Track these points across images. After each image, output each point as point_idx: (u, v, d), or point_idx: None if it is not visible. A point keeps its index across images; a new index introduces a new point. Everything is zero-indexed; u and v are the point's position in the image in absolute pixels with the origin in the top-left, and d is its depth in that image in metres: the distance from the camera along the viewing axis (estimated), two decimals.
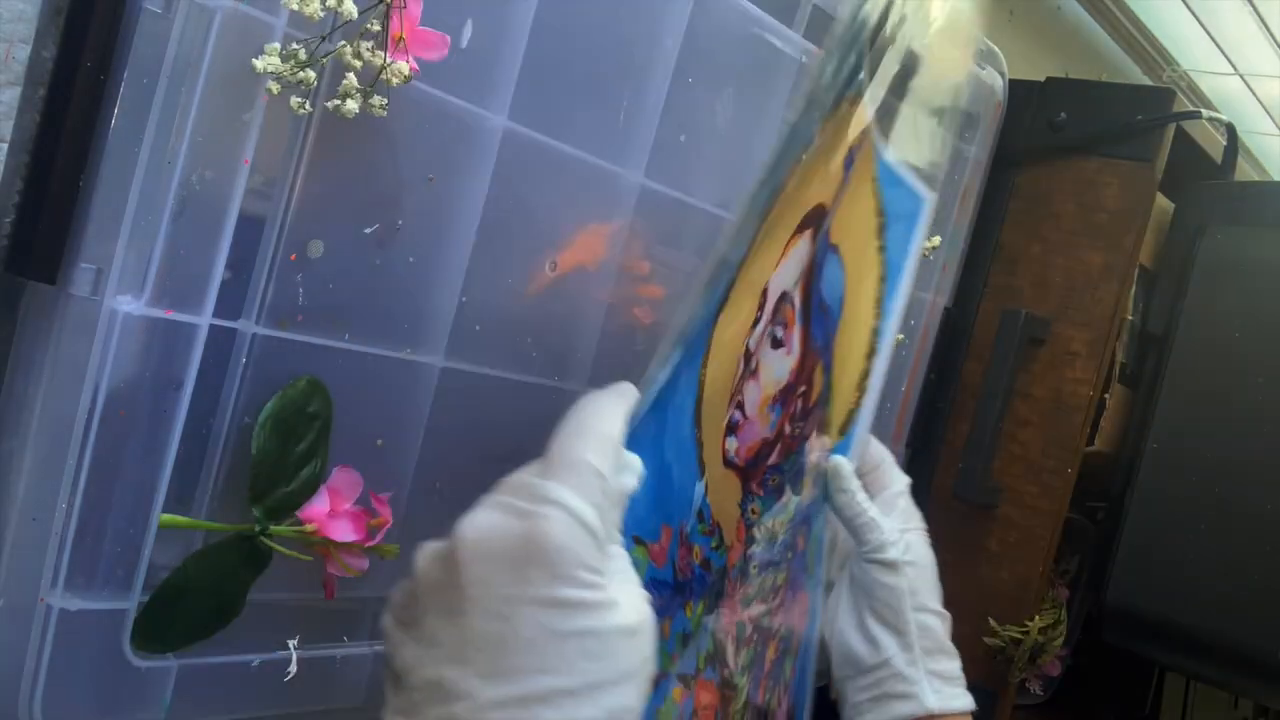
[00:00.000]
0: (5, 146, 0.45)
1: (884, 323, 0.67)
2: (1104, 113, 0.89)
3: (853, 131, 0.55)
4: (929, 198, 0.67)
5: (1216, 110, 1.01)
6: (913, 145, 0.64)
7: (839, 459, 0.65)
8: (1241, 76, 1.39)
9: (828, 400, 0.64)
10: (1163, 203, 0.96)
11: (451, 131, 0.53)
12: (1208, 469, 0.91)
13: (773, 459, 0.58)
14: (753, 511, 0.57)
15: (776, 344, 0.56)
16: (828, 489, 0.65)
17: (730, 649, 0.57)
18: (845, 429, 0.66)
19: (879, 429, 0.70)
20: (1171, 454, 0.92)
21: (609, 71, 0.60)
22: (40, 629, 0.45)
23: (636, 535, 0.48)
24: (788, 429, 0.59)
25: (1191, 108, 0.91)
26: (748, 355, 0.54)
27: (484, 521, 0.36)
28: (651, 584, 0.49)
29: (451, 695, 0.34)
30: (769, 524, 0.59)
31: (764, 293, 0.54)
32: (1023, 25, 1.20)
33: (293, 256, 0.49)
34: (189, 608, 0.48)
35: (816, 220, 0.56)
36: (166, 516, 0.47)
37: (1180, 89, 1.33)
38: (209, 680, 0.50)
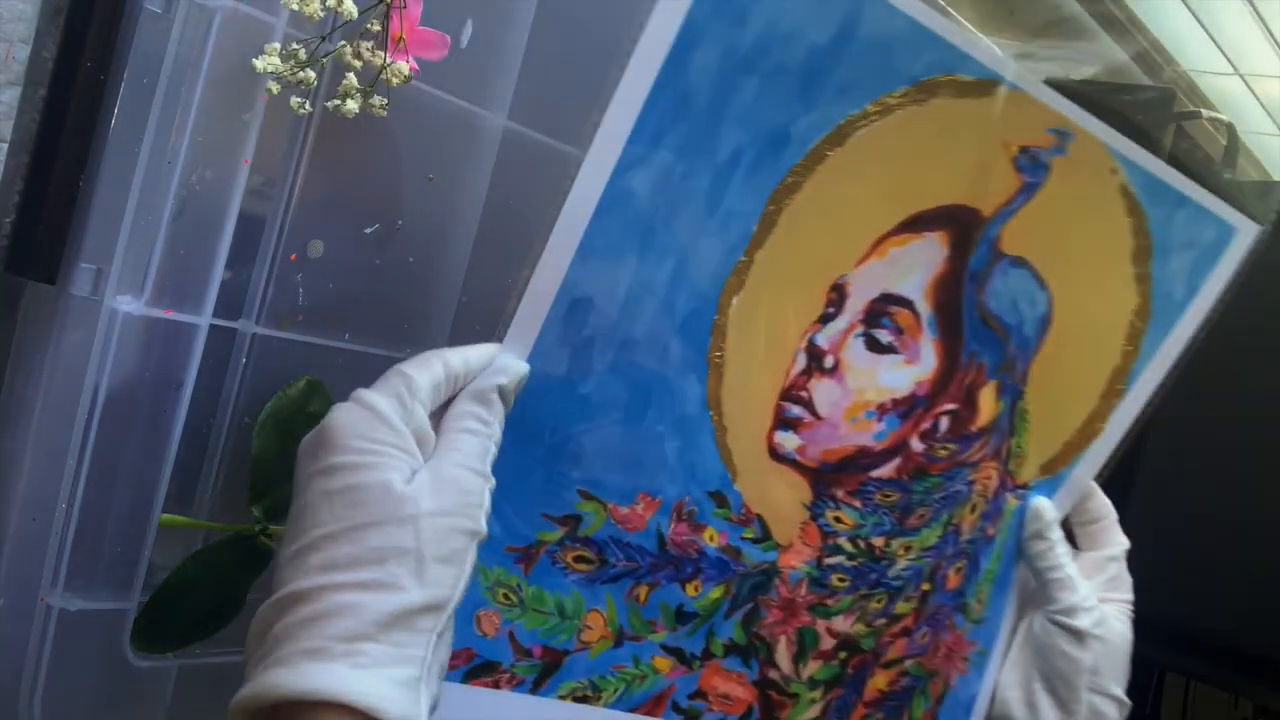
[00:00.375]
0: (5, 146, 0.45)
1: (1140, 364, 0.61)
2: (1104, 113, 0.89)
3: (1014, 129, 0.52)
4: (1246, 228, 0.61)
5: (1216, 110, 1.01)
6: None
7: (1042, 501, 0.61)
8: (1241, 76, 1.39)
9: (1013, 431, 0.60)
10: None
11: (451, 131, 0.53)
12: (1208, 468, 0.91)
13: (884, 473, 0.55)
14: (837, 520, 0.54)
15: (880, 348, 0.54)
16: (1023, 532, 0.61)
17: (784, 653, 0.55)
18: (1053, 469, 0.62)
19: None
20: (1171, 454, 0.92)
21: (609, 71, 0.60)
22: (40, 629, 0.45)
23: (584, 489, 0.48)
24: (917, 446, 0.56)
25: (1191, 108, 0.91)
26: (815, 351, 0.52)
27: (310, 433, 0.42)
28: (612, 543, 0.49)
29: (275, 567, 0.39)
30: (874, 541, 0.56)
31: (836, 288, 0.52)
32: (1023, 25, 1.20)
33: (293, 256, 0.49)
34: (189, 608, 0.48)
35: (954, 222, 0.53)
36: (166, 516, 0.47)
37: (1180, 89, 1.33)
38: (209, 680, 0.50)
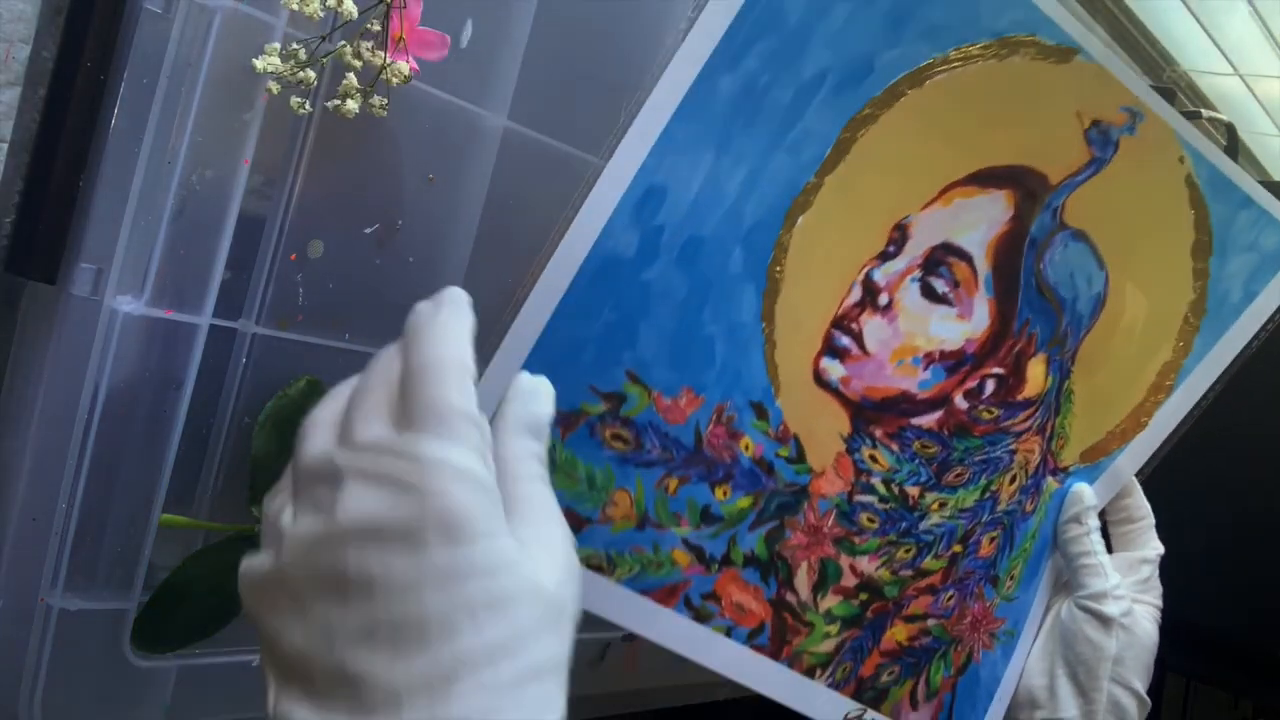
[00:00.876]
0: (5, 146, 0.45)
1: (1191, 362, 0.62)
2: None
3: (1088, 101, 0.53)
4: None
5: (1216, 110, 1.01)
6: None
7: (1082, 486, 0.61)
8: (1241, 76, 1.39)
9: (1058, 410, 0.60)
10: None
11: (451, 131, 0.53)
12: (1208, 469, 0.91)
13: (924, 423, 0.56)
14: (871, 459, 0.55)
15: (935, 298, 0.54)
16: (1060, 516, 0.61)
17: (804, 579, 0.55)
18: (1094, 457, 0.63)
19: None
20: (1172, 454, 0.92)
21: (609, 71, 0.60)
22: (40, 629, 0.45)
23: (633, 372, 0.48)
24: (961, 403, 0.56)
25: (1191, 108, 0.91)
26: (872, 287, 0.53)
27: (365, 504, 0.33)
28: (651, 429, 0.50)
29: (360, 680, 0.32)
30: (908, 489, 0.56)
31: (899, 228, 0.53)
32: None
33: (293, 256, 0.49)
34: (189, 608, 0.48)
35: (1020, 184, 0.54)
36: (166, 516, 0.47)
37: (1180, 89, 1.33)
38: (209, 680, 0.50)
